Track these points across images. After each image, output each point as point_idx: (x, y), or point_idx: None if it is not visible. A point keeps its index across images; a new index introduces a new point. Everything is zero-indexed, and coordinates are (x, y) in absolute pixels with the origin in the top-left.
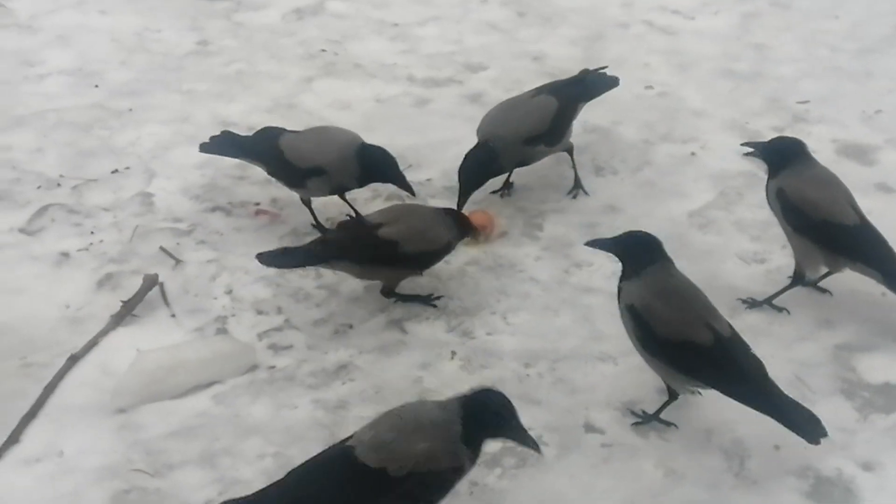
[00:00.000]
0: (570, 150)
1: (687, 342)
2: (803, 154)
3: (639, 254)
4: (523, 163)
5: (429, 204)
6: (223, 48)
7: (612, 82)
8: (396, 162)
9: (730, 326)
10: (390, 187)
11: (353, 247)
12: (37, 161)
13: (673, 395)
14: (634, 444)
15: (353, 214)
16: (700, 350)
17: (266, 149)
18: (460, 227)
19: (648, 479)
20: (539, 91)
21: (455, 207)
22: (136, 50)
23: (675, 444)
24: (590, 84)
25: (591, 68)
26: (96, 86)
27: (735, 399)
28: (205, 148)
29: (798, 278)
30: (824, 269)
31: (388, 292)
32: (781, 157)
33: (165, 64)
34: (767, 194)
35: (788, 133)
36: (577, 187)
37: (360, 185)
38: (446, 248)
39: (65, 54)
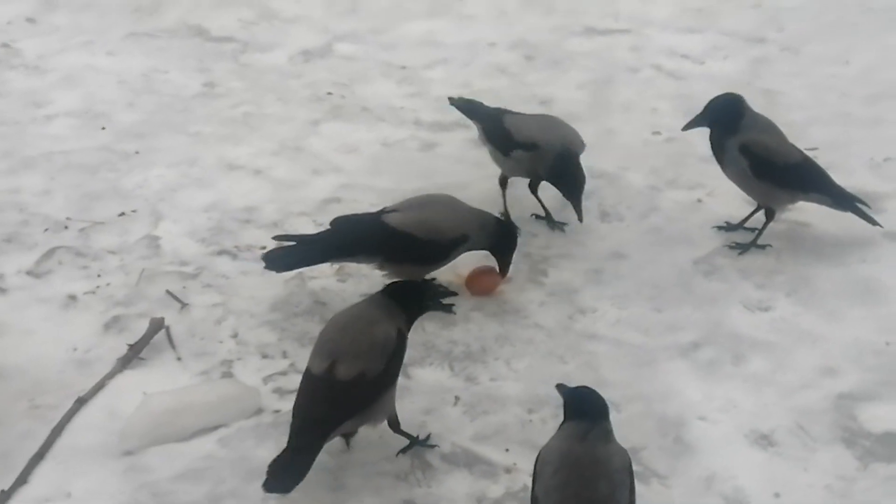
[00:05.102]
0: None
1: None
2: (747, 107)
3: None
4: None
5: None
6: (230, 90)
7: None
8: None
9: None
10: None
11: (364, 240)
12: (44, 203)
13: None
14: (637, 492)
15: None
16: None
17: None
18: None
19: None
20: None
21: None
22: (142, 92)
23: (675, 490)
24: None
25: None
26: (103, 128)
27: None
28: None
29: (769, 216)
30: (788, 206)
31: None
32: (731, 116)
33: (172, 106)
34: (726, 151)
35: None
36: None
37: (548, 179)
38: (461, 241)
39: (72, 96)
